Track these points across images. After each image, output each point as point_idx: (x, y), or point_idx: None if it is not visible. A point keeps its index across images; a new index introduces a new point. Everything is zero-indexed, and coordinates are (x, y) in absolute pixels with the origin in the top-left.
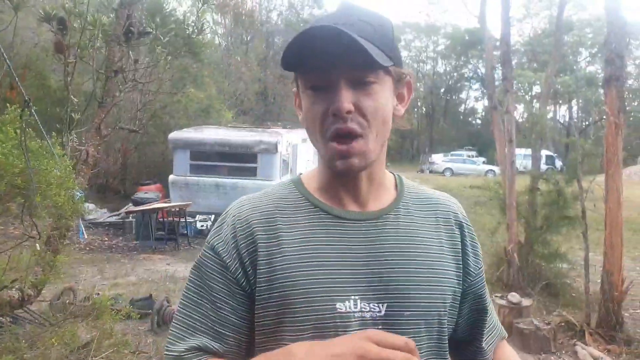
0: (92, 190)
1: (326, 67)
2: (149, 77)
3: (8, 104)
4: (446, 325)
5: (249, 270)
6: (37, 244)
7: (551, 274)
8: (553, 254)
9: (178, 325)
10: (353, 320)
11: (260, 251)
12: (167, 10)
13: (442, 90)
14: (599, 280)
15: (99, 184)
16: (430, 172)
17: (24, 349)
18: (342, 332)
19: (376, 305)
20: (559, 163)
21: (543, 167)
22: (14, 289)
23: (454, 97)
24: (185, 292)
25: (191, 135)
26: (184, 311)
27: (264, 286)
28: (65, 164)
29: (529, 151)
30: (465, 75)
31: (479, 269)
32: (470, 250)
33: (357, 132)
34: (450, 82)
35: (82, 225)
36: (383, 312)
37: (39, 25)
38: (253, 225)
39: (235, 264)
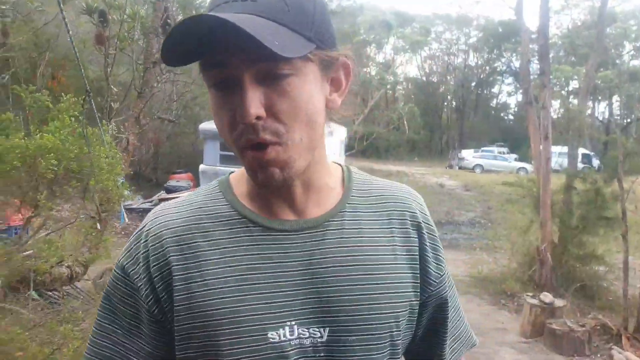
0: (127, 178)
1: (223, 61)
2: (183, 68)
3: (50, 93)
4: (400, 344)
5: (163, 296)
6: (97, 224)
7: (586, 276)
8: (589, 255)
9: (89, 356)
10: (289, 349)
11: (175, 275)
12: (198, 1)
13: (473, 84)
14: (639, 285)
15: (133, 171)
16: (460, 168)
17: (80, 319)
18: None
19: (317, 329)
20: (596, 162)
21: (579, 165)
22: (64, 267)
23: (485, 92)
24: (97, 318)
25: None
26: (95, 340)
27: (183, 316)
28: (114, 151)
29: (564, 149)
30: (498, 69)
31: (442, 275)
32: (430, 255)
33: (272, 141)
34: (482, 76)
35: (124, 210)
36: (325, 338)
37: (77, 17)
38: (166, 244)
39: (147, 289)
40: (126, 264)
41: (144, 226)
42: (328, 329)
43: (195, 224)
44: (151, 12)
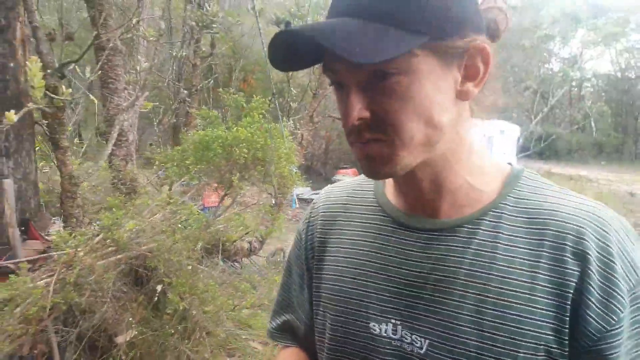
0: (300, 169)
1: (331, 67)
2: None
3: (243, 94)
4: None
5: (311, 265)
6: (274, 204)
7: None
8: None
9: (275, 303)
10: (388, 348)
11: (317, 249)
12: None
13: None
14: None
15: (305, 165)
16: None
17: (256, 282)
18: (374, 358)
19: (419, 338)
20: None
21: None
22: (244, 241)
23: None
24: (284, 270)
25: None
26: (279, 289)
27: (315, 289)
28: (290, 144)
29: None
30: None
31: (610, 330)
32: (595, 298)
33: (375, 139)
34: None
35: (295, 197)
36: (424, 350)
37: (266, 27)
38: (319, 219)
39: (304, 256)
40: (301, 229)
41: (315, 200)
42: (428, 341)
43: (343, 205)
44: None
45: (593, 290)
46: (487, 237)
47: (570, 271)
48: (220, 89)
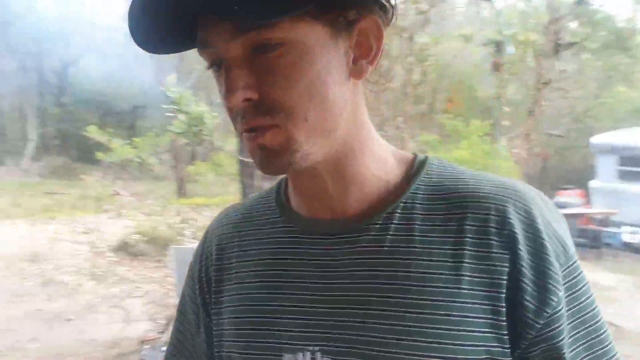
0: None
1: (204, 40)
2: (575, 84)
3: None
4: None
5: (207, 300)
6: None
7: None
8: None
9: (166, 352)
10: None
11: (213, 279)
12: (597, 17)
13: None
14: None
15: None
16: None
17: None
18: None
19: None
20: None
21: None
22: None
23: None
24: (177, 312)
25: (620, 138)
26: (171, 335)
27: (214, 327)
28: (509, 163)
29: None
30: None
31: (552, 313)
32: (528, 280)
33: (267, 124)
34: None
35: None
36: None
37: (464, 45)
38: (213, 246)
39: (198, 290)
40: (193, 261)
41: (208, 227)
42: None
43: (237, 224)
44: (541, 36)
45: (526, 272)
46: (400, 231)
47: (498, 255)
48: (437, 116)
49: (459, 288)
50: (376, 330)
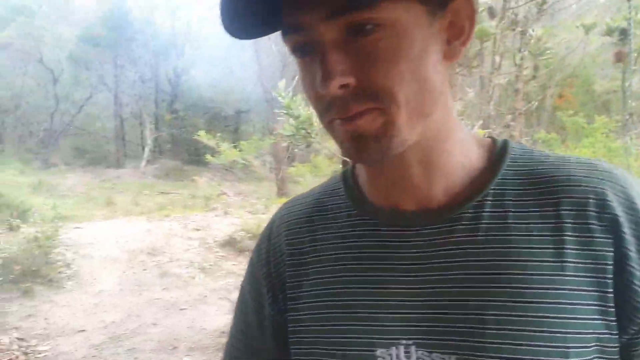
0: None
1: (296, 22)
2: None
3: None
4: None
5: (279, 295)
6: None
7: None
8: None
9: (223, 355)
10: None
11: (287, 274)
12: None
13: None
14: None
15: None
16: None
17: None
18: None
19: (440, 356)
20: None
21: None
22: None
23: None
24: (235, 311)
25: None
26: (230, 337)
27: (291, 320)
28: (639, 161)
29: None
30: None
31: None
32: (636, 264)
33: (367, 109)
34: None
35: None
36: None
37: (582, 36)
38: (283, 238)
39: (265, 286)
40: (254, 255)
41: (271, 220)
42: (455, 357)
43: (312, 216)
44: None
45: (632, 255)
46: (494, 219)
47: (601, 240)
48: (559, 112)
49: (563, 275)
50: (476, 322)
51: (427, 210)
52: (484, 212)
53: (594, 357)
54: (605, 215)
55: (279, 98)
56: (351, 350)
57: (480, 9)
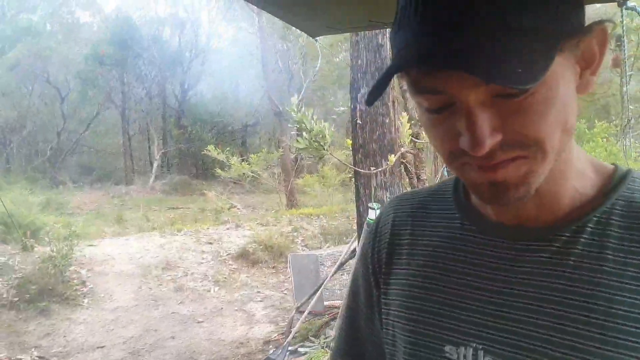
0: None
1: (439, 88)
2: None
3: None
4: None
5: (379, 281)
6: None
7: None
8: None
9: (336, 340)
10: None
11: (384, 262)
12: None
13: None
14: None
15: None
16: None
17: None
18: None
19: None
20: None
21: None
22: None
23: None
24: (346, 297)
25: None
26: (341, 322)
27: (383, 308)
28: (638, 163)
29: None
30: None
31: None
32: None
33: (513, 157)
34: None
35: None
36: None
37: None
38: (386, 230)
39: (371, 271)
40: (366, 242)
41: (382, 210)
42: None
43: (418, 212)
44: None
45: None
46: (590, 246)
47: None
48: None
49: None
50: (546, 342)
51: (527, 227)
52: (581, 237)
53: None
54: None
55: (292, 113)
56: (422, 340)
57: None
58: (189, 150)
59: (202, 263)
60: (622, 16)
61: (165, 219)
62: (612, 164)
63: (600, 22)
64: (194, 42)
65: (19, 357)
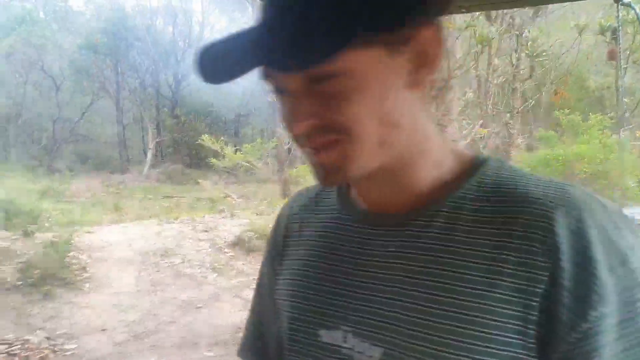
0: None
1: (265, 73)
2: None
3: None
4: None
5: (277, 270)
6: None
7: None
8: None
9: (247, 321)
10: (338, 357)
11: (280, 253)
12: None
13: None
14: None
15: None
16: None
17: None
18: None
19: (370, 347)
20: None
21: None
22: None
23: None
24: (258, 279)
25: None
26: (252, 302)
27: (276, 296)
28: (632, 156)
29: None
30: None
31: (590, 328)
32: (565, 290)
33: (327, 141)
34: None
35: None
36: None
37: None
38: (283, 224)
39: (271, 259)
40: (270, 234)
41: (283, 204)
42: (382, 350)
43: (309, 204)
44: None
45: (565, 282)
46: (442, 229)
47: (539, 263)
48: (557, 111)
49: (492, 292)
50: (406, 322)
51: (388, 214)
52: (435, 222)
53: None
54: (548, 239)
55: None
56: (300, 326)
57: (478, 14)
58: (182, 140)
59: (199, 250)
60: (617, 11)
61: (161, 208)
62: (476, 152)
63: (430, 23)
64: (187, 32)
65: (26, 337)
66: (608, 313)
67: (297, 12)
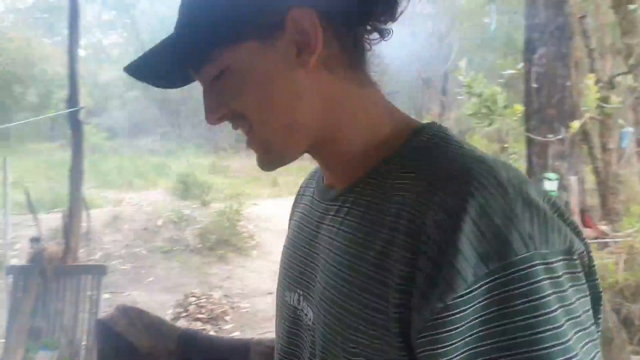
0: None
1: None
2: None
3: None
4: None
5: None
6: None
7: None
8: None
9: None
10: (293, 316)
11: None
12: None
13: None
14: None
15: None
16: None
17: None
18: (291, 327)
19: (308, 308)
20: None
21: None
22: None
23: None
24: None
25: None
26: None
27: None
28: None
29: None
30: None
31: (436, 319)
32: (422, 280)
33: (245, 129)
34: None
35: None
36: (312, 321)
37: None
38: (296, 198)
39: None
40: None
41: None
42: (313, 313)
43: (306, 185)
44: None
45: (423, 266)
46: (361, 206)
47: (402, 243)
48: None
49: (361, 265)
50: (322, 294)
51: (334, 189)
52: (355, 197)
53: (376, 340)
54: (414, 228)
55: (459, 77)
56: (279, 288)
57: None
58: None
59: None
60: None
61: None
62: (420, 123)
63: (301, 5)
64: None
65: (209, 293)
66: (458, 304)
67: (181, 21)
